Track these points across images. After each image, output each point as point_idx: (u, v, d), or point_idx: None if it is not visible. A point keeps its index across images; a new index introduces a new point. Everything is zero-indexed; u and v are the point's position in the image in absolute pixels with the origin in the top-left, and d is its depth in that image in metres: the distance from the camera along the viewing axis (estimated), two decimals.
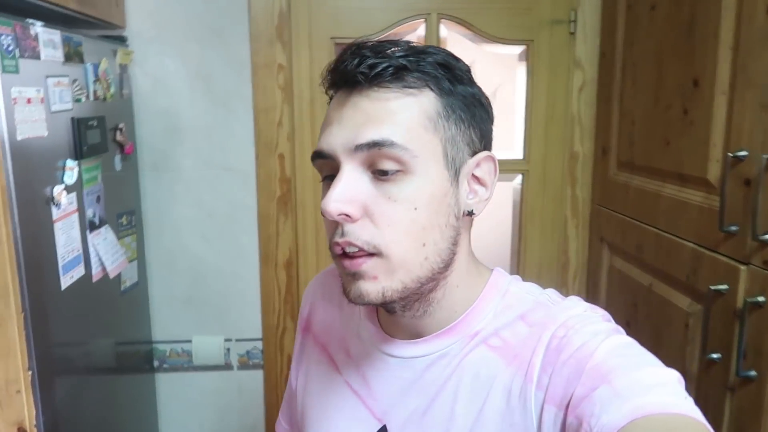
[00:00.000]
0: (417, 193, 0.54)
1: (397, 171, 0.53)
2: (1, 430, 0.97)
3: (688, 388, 0.49)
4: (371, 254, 0.53)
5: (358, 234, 0.53)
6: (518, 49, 1.67)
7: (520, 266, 1.74)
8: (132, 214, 1.48)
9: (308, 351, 0.75)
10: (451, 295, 0.60)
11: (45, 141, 1.05)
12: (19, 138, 0.96)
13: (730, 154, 1.01)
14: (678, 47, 1.21)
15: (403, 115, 0.53)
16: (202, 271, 1.63)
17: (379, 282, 0.54)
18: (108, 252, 1.28)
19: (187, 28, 1.53)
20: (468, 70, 0.59)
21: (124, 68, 1.44)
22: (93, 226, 1.23)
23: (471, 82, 0.59)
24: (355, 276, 0.55)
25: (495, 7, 1.59)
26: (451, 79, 0.56)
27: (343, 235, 0.54)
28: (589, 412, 0.48)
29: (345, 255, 0.54)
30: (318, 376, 0.71)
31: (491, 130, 0.61)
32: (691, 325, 1.16)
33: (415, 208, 0.54)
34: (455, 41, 1.67)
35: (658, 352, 1.30)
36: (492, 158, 0.60)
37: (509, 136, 1.71)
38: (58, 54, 1.09)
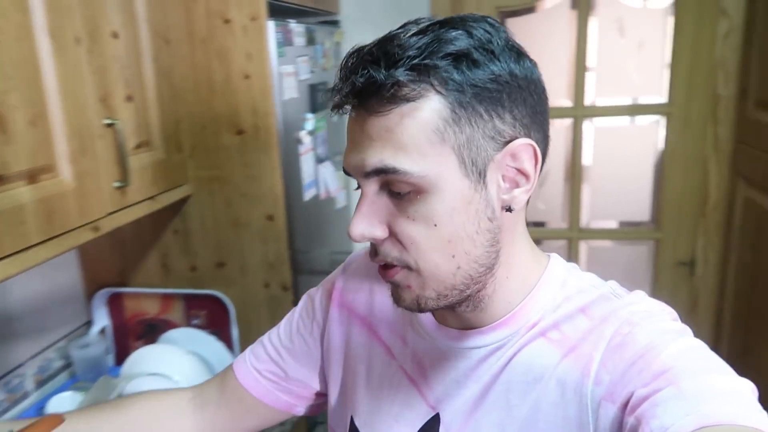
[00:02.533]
0: (434, 210, 0.52)
1: (410, 191, 0.52)
2: (274, 287, 1.54)
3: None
4: (404, 267, 0.55)
5: (388, 252, 0.55)
6: (666, 2, 1.85)
7: (661, 199, 1.96)
8: (342, 154, 2.00)
9: (350, 332, 0.73)
10: (502, 289, 0.59)
11: (296, 101, 1.56)
12: (285, 98, 1.48)
13: None
14: None
15: (404, 134, 0.50)
16: None
17: (413, 291, 0.56)
18: (330, 179, 1.80)
19: (384, 9, 1.97)
20: (491, 40, 0.51)
21: (338, 45, 1.93)
22: (320, 160, 1.75)
23: (496, 56, 0.51)
24: (393, 284, 0.57)
25: None
26: (464, 69, 0.50)
27: (377, 254, 0.56)
28: (651, 413, 0.46)
29: (382, 265, 0.56)
30: (368, 360, 0.70)
31: (534, 105, 0.54)
32: None
33: (435, 225, 0.52)
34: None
35: None
36: (531, 145, 0.53)
37: (657, 82, 1.91)
38: (302, 41, 1.60)
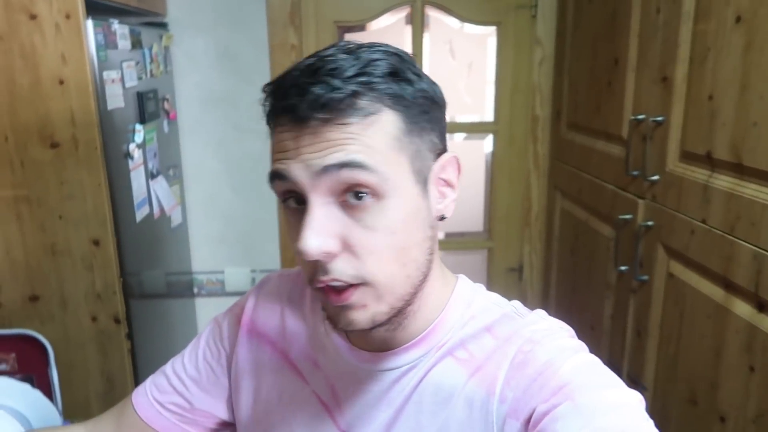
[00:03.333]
0: (393, 217, 0.52)
1: (369, 197, 0.51)
2: (104, 320, 1.36)
3: (647, 405, 0.54)
4: (358, 285, 0.52)
5: (343, 269, 0.51)
6: (490, 29, 2.00)
7: (491, 210, 2.11)
8: (176, 167, 1.85)
9: (261, 358, 0.71)
10: (425, 306, 0.60)
11: (122, 110, 1.40)
12: (109, 108, 1.31)
13: (633, 117, 1.37)
14: (606, 32, 1.55)
15: (369, 139, 0.50)
16: (232, 214, 2.00)
17: (368, 309, 0.53)
18: (164, 196, 1.64)
19: (216, 14, 1.85)
20: (414, 62, 0.56)
21: (167, 49, 1.78)
22: (152, 176, 1.59)
23: (420, 77, 0.55)
24: (344, 308, 0.53)
25: None
26: (405, 87, 0.53)
27: (326, 273, 0.51)
28: (551, 429, 0.48)
29: (330, 288, 0.52)
30: (281, 386, 0.69)
31: (445, 122, 0.59)
32: (610, 248, 1.54)
33: (393, 233, 0.52)
34: (436, 21, 1.99)
35: (591, 271, 1.69)
36: (455, 158, 0.58)
37: (481, 102, 2.05)
38: (127, 43, 1.44)
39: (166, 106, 1.74)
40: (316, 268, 0.52)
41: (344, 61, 0.51)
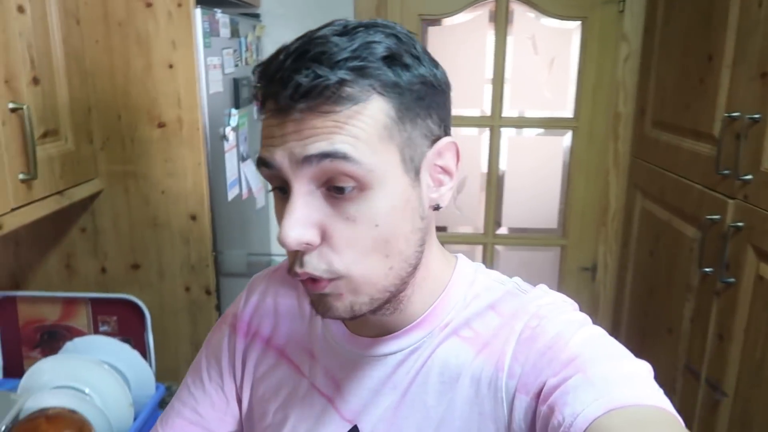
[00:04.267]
0: (377, 209, 0.50)
1: (353, 188, 0.49)
2: (196, 291, 1.45)
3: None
4: (331, 279, 0.51)
5: (316, 265, 0.50)
6: (574, 24, 1.98)
7: (566, 208, 2.09)
8: None
9: (258, 358, 0.70)
10: (420, 290, 0.59)
11: (220, 95, 1.48)
12: (210, 92, 1.40)
13: (726, 115, 1.33)
14: (700, 27, 1.51)
15: (354, 127, 0.48)
16: None
17: (345, 298, 0.52)
18: (252, 178, 1.73)
19: (305, 6, 1.93)
20: (414, 43, 0.53)
21: (259, 39, 1.86)
22: (243, 158, 1.68)
23: (421, 61, 0.52)
24: (321, 296, 0.53)
25: None
26: (400, 72, 0.50)
27: (302, 265, 0.50)
28: (562, 401, 0.48)
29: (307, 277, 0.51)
30: (278, 382, 0.68)
31: (449, 107, 0.57)
32: (694, 249, 1.50)
33: (377, 225, 0.50)
34: (519, 15, 1.99)
35: (671, 273, 1.67)
36: (454, 144, 0.56)
37: (562, 98, 2.03)
38: (227, 32, 1.52)
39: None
40: (293, 257, 0.51)
41: (337, 44, 0.48)
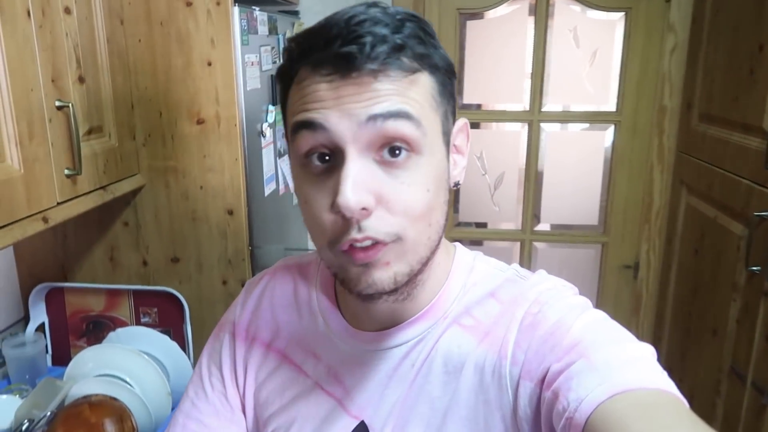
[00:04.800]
0: (428, 175, 0.51)
1: (406, 153, 0.50)
2: (232, 284, 1.48)
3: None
4: (387, 242, 0.50)
5: (378, 227, 0.49)
6: (618, 15, 1.92)
7: (608, 204, 2.04)
8: None
9: (259, 363, 0.69)
10: (432, 274, 0.59)
11: (258, 91, 1.50)
12: (248, 89, 1.42)
13: None
14: (751, 17, 1.45)
15: (413, 93, 0.50)
16: None
17: (390, 268, 0.51)
18: (289, 174, 1.75)
19: (344, 3, 1.93)
20: (432, 29, 0.55)
21: None
22: (280, 154, 1.70)
23: (439, 44, 0.54)
24: (368, 266, 0.51)
25: None
26: (433, 51, 0.52)
27: (360, 230, 0.49)
28: (566, 386, 0.48)
29: (354, 247, 0.50)
30: (282, 385, 0.67)
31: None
32: (741, 247, 1.44)
33: (428, 190, 0.51)
34: (560, 7, 1.94)
35: (716, 272, 1.61)
36: (466, 124, 0.59)
37: (604, 92, 1.98)
38: (265, 29, 1.54)
39: None
40: (347, 227, 0.49)
41: (382, 16, 0.49)
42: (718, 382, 1.52)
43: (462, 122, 0.58)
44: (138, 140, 1.39)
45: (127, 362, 1.27)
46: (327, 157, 0.51)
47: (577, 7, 1.92)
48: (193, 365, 1.44)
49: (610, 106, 1.98)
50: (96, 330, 1.51)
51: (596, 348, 0.50)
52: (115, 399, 1.18)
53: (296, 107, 0.51)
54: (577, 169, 2.03)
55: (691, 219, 1.78)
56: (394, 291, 0.53)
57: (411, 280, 0.54)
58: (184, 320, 1.45)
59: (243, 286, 1.48)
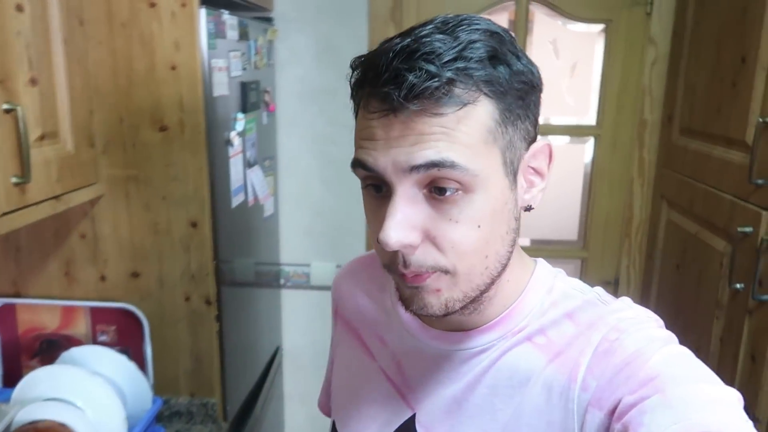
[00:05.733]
0: (480, 211, 0.51)
1: (456, 190, 0.50)
2: (196, 300, 1.40)
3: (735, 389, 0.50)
4: (437, 271, 0.52)
5: (423, 262, 0.51)
6: (598, 27, 1.89)
7: (588, 219, 2.00)
8: (272, 159, 1.89)
9: (341, 336, 0.75)
10: (502, 291, 0.58)
11: (226, 98, 1.44)
12: (215, 95, 1.36)
13: (760, 119, 1.24)
14: (733, 29, 1.42)
15: (461, 132, 0.48)
16: (321, 209, 2.02)
17: (442, 294, 0.53)
18: (259, 185, 1.68)
19: (319, 10, 1.88)
20: (513, 41, 0.53)
21: (271, 43, 1.82)
22: (249, 165, 1.63)
23: (519, 59, 0.52)
24: (418, 289, 0.53)
25: None
26: (502, 72, 0.50)
27: (406, 265, 0.51)
28: (638, 421, 0.46)
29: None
30: (351, 361, 0.71)
31: (540, 106, 0.57)
32: (724, 264, 1.40)
33: (479, 227, 0.51)
34: (540, 19, 1.92)
35: (699, 288, 1.56)
36: (548, 146, 0.57)
37: (584, 104, 1.95)
38: (235, 34, 1.48)
39: (267, 98, 1.78)
40: (395, 257, 0.52)
41: (441, 43, 0.48)
42: None
43: (542, 144, 0.56)
44: (97, 147, 1.31)
45: (79, 385, 1.19)
46: (383, 187, 0.52)
47: (558, 19, 1.90)
48: (153, 387, 1.35)
49: (591, 119, 1.95)
50: (50, 349, 1.41)
51: (675, 384, 0.47)
52: (63, 425, 1.10)
53: (356, 140, 0.53)
54: (557, 182, 1.99)
55: (673, 234, 1.75)
56: (446, 314, 0.54)
57: (471, 303, 0.55)
58: (143, 339, 1.37)
59: (207, 303, 1.42)
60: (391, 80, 0.48)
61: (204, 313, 1.40)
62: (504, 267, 0.55)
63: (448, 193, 0.50)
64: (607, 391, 0.51)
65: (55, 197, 1.16)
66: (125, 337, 1.39)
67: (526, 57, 0.54)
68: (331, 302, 0.80)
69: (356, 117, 0.55)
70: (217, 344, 1.44)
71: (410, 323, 0.65)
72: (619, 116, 1.91)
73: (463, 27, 0.50)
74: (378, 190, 0.53)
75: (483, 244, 0.52)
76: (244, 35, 1.55)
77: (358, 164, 0.52)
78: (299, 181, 2.00)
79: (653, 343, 0.52)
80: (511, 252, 0.56)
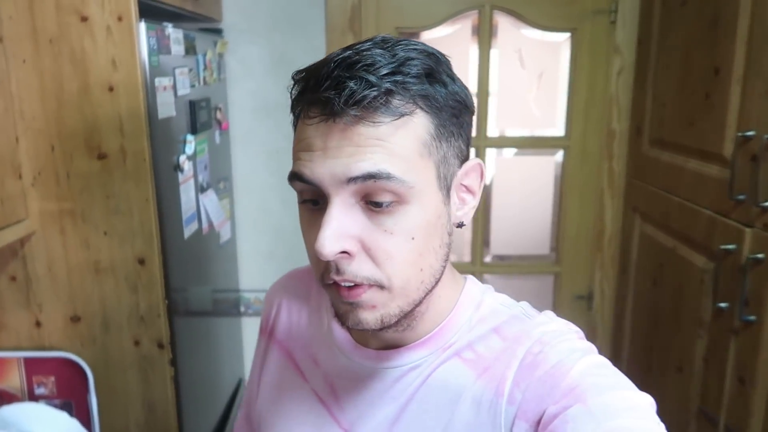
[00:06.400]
0: (414, 223, 0.51)
1: (392, 202, 0.50)
2: (146, 344, 1.26)
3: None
4: (371, 285, 0.52)
5: (357, 271, 0.51)
6: (563, 36, 1.84)
7: (559, 232, 1.95)
8: (226, 180, 1.76)
9: (271, 356, 0.73)
10: (433, 307, 0.59)
11: (173, 120, 1.31)
12: (160, 117, 1.23)
13: (740, 134, 1.19)
14: (703, 39, 1.38)
15: (397, 144, 0.50)
16: (282, 230, 1.90)
17: (377, 310, 0.53)
18: (213, 210, 1.55)
19: (272, 20, 1.77)
20: (448, 64, 0.56)
21: (221, 56, 1.70)
22: (202, 189, 1.50)
23: (453, 80, 0.55)
24: (353, 305, 0.53)
25: None
26: (438, 89, 0.52)
27: (339, 272, 0.51)
28: (561, 430, 0.48)
29: (339, 285, 0.53)
30: (281, 383, 0.70)
31: (472, 128, 0.59)
32: (705, 281, 1.35)
33: (413, 238, 0.52)
34: (504, 28, 1.85)
35: (678, 305, 1.50)
36: (479, 165, 0.58)
37: (552, 114, 1.90)
38: (181, 49, 1.35)
39: (219, 115, 1.65)
40: (328, 266, 0.52)
41: (380, 57, 0.50)
42: (686, 423, 1.43)
43: (473, 163, 0.57)
44: (25, 179, 1.16)
45: None
46: (319, 199, 0.53)
47: (522, 28, 1.84)
48: None
49: (559, 130, 1.89)
50: None
51: (594, 393, 0.49)
52: None
53: (294, 150, 0.54)
54: (526, 195, 1.93)
55: (648, 248, 1.70)
56: (382, 329, 0.55)
57: (404, 318, 0.56)
58: (88, 390, 1.23)
59: (159, 346, 1.28)
60: (332, 87, 0.49)
61: (156, 358, 1.27)
62: (437, 281, 0.56)
63: (383, 206, 0.50)
64: (532, 403, 0.52)
65: None
66: (66, 389, 1.24)
67: (460, 80, 0.56)
68: (261, 316, 0.77)
69: (295, 129, 0.56)
70: (173, 390, 1.30)
71: (343, 343, 0.64)
72: (587, 127, 1.86)
73: (401, 46, 0.52)
74: (315, 204, 0.53)
75: (417, 257, 0.52)
76: (191, 49, 1.42)
77: (295, 177, 0.52)
78: (257, 202, 1.88)
79: (573, 354, 0.54)
80: (444, 267, 0.57)
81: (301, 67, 0.54)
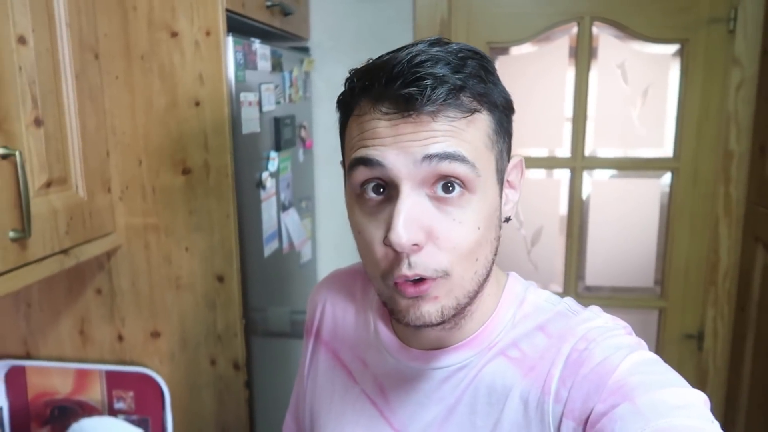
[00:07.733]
0: (479, 213, 0.52)
1: (459, 191, 0.51)
2: (222, 364, 1.23)
3: (713, 411, 0.49)
4: (436, 277, 0.52)
5: (427, 263, 0.51)
6: (671, 48, 1.68)
7: (666, 264, 1.76)
8: (309, 200, 1.73)
9: (318, 357, 0.73)
10: (481, 305, 0.59)
11: (257, 136, 1.29)
12: (244, 132, 1.21)
13: None
14: None
15: (469, 133, 0.51)
16: None
17: (439, 302, 0.53)
18: (295, 230, 1.52)
19: (359, 38, 1.74)
20: (493, 65, 0.57)
21: (307, 74, 1.68)
22: (284, 208, 1.48)
23: (499, 79, 0.56)
24: (416, 300, 0.53)
25: (650, 7, 1.63)
26: (492, 89, 0.54)
27: (411, 267, 0.51)
28: (609, 429, 0.47)
29: (405, 282, 0.52)
30: (331, 384, 0.70)
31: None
32: None
33: (478, 228, 0.52)
34: (606, 40, 1.72)
35: None
36: (522, 161, 0.61)
37: (659, 134, 1.73)
38: (267, 65, 1.34)
39: (303, 133, 1.63)
40: (397, 261, 0.51)
41: (443, 55, 0.51)
42: None
43: (517, 159, 0.60)
44: (114, 193, 1.18)
45: None
46: (382, 189, 0.53)
47: (625, 40, 1.70)
48: None
49: (667, 150, 1.72)
50: (62, 417, 1.27)
51: (642, 391, 0.48)
52: None
53: (355, 142, 0.54)
54: (629, 222, 1.76)
55: None
56: (441, 323, 0.54)
57: (458, 313, 0.55)
58: (164, 408, 1.21)
59: (235, 368, 1.25)
60: (409, 83, 0.49)
61: (231, 379, 1.23)
62: (487, 276, 0.56)
63: (453, 193, 0.51)
64: (578, 401, 0.51)
65: (63, 251, 1.02)
66: (144, 404, 1.23)
67: (501, 82, 0.57)
68: (306, 318, 0.77)
69: (345, 124, 0.57)
70: (246, 413, 1.26)
71: (390, 344, 0.64)
72: (699, 147, 1.68)
73: (452, 45, 0.53)
74: (377, 191, 0.53)
75: (477, 248, 0.53)
76: (277, 66, 1.41)
77: (360, 162, 0.52)
78: (339, 223, 1.83)
79: (620, 351, 0.52)
80: (494, 261, 0.57)
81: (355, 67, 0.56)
